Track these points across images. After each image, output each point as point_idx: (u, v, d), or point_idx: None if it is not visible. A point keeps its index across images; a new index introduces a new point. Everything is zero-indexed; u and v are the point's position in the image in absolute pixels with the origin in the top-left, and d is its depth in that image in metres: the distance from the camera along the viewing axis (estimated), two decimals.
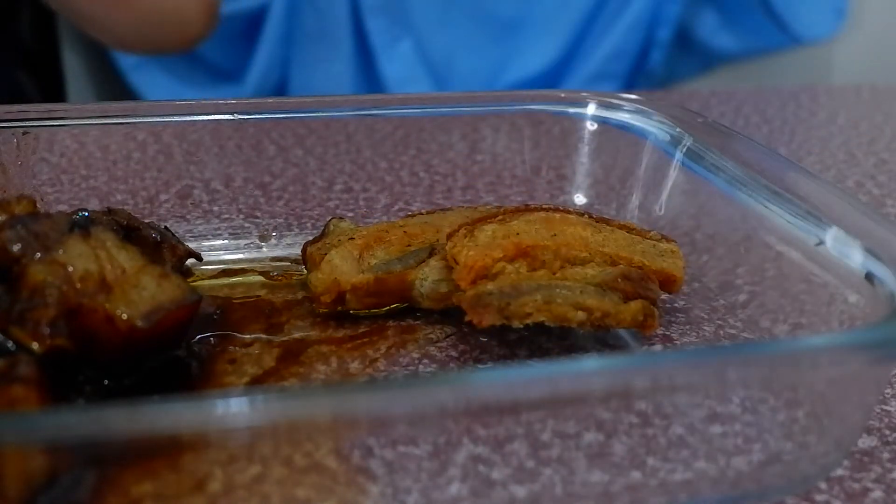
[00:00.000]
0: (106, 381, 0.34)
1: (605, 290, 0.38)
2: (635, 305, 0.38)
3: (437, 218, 0.44)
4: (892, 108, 0.80)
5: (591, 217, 0.41)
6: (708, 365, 0.28)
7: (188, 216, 0.49)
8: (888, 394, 0.37)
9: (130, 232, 0.37)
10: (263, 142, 0.56)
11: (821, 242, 0.36)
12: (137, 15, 0.77)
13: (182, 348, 0.36)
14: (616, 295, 0.38)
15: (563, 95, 0.51)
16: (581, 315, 0.38)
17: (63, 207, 0.47)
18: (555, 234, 0.39)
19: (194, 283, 0.37)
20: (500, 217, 0.40)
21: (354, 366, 0.37)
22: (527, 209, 0.40)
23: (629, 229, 0.41)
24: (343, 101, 0.52)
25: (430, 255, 0.41)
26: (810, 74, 1.13)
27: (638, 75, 1.00)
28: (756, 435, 0.31)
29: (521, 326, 0.38)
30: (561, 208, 0.41)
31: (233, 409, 0.24)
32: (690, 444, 0.31)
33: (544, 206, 0.41)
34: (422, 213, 0.45)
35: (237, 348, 0.37)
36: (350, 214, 0.51)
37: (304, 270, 0.42)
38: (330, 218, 0.44)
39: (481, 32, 0.92)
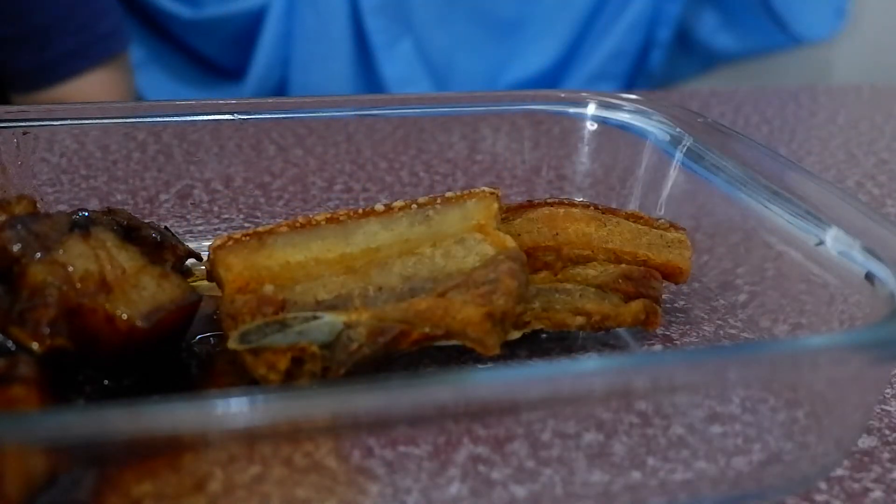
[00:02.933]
0: (106, 381, 0.34)
1: (605, 291, 0.38)
2: (636, 305, 0.38)
3: (345, 233, 0.36)
4: (892, 108, 0.80)
5: (596, 208, 0.40)
6: (708, 365, 0.28)
7: (188, 216, 0.49)
8: (888, 394, 0.37)
9: (130, 232, 0.37)
10: (263, 142, 0.56)
11: (821, 242, 0.36)
12: None
13: (182, 348, 0.36)
14: (617, 296, 0.38)
15: (563, 95, 0.51)
16: (580, 320, 0.38)
17: (63, 207, 0.47)
18: (557, 234, 0.39)
19: (194, 283, 0.37)
20: (504, 216, 0.40)
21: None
22: (530, 205, 0.40)
23: (636, 218, 0.41)
24: (343, 101, 0.52)
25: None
26: (810, 74, 1.13)
27: (638, 75, 1.00)
28: (756, 435, 0.31)
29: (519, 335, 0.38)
30: (566, 201, 0.41)
31: (233, 409, 0.24)
32: (690, 444, 0.31)
33: (549, 201, 0.40)
34: (328, 220, 0.36)
35: None
36: None
37: None
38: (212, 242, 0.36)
39: (481, 32, 0.92)
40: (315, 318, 0.32)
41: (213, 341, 0.37)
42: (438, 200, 0.36)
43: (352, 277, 0.35)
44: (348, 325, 0.32)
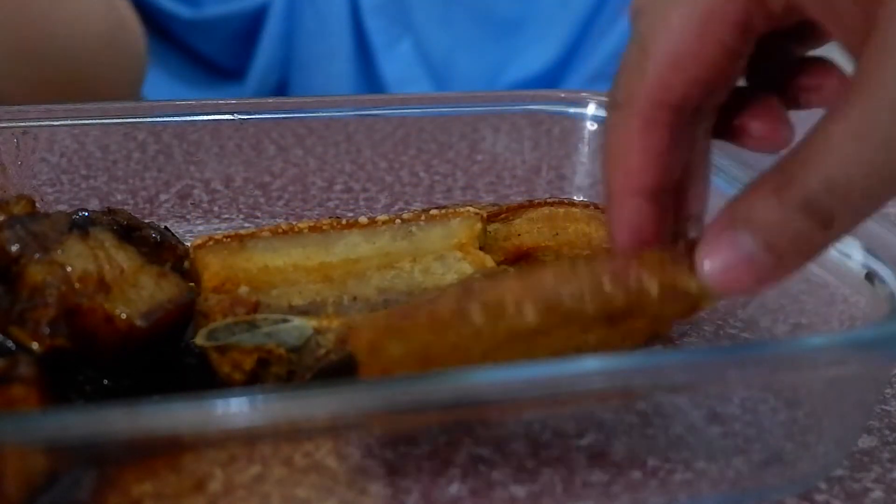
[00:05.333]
0: (106, 381, 0.34)
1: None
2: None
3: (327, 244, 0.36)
4: None
5: (596, 208, 0.40)
6: (708, 365, 0.28)
7: (188, 216, 0.49)
8: (888, 394, 0.37)
9: (131, 232, 0.37)
10: (263, 142, 0.56)
11: None
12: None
13: (181, 348, 0.36)
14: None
15: (563, 95, 0.51)
16: None
17: (63, 207, 0.47)
18: (556, 234, 0.39)
19: (193, 285, 0.37)
20: (504, 216, 0.40)
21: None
22: (530, 205, 0.40)
23: None
24: (343, 101, 0.52)
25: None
26: None
27: None
28: (756, 435, 0.31)
29: None
30: (566, 200, 0.41)
31: (233, 409, 0.24)
32: (690, 444, 0.31)
33: (549, 201, 0.40)
34: (315, 228, 0.36)
35: None
36: (350, 214, 0.51)
37: None
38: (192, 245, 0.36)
39: (481, 32, 0.92)
40: (285, 321, 0.32)
41: None
42: (423, 217, 0.36)
43: (328, 286, 0.35)
44: (318, 331, 0.32)
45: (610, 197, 0.28)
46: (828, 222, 0.24)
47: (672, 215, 0.29)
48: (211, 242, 0.35)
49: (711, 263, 0.26)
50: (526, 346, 0.29)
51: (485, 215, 0.37)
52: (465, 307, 0.28)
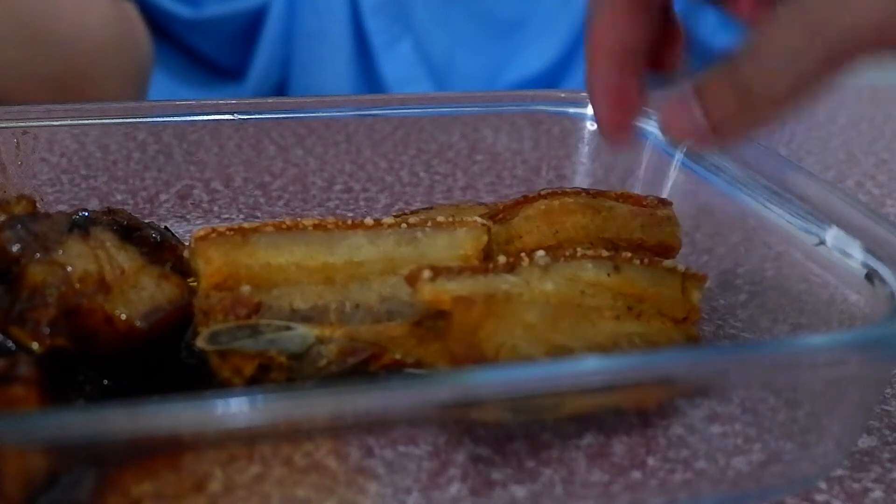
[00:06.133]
0: (106, 381, 0.34)
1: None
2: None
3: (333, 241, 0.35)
4: (892, 108, 0.80)
5: (587, 193, 0.40)
6: (708, 365, 0.28)
7: (188, 216, 0.49)
8: (888, 394, 0.37)
9: (131, 232, 0.37)
10: (263, 142, 0.56)
11: (821, 242, 0.36)
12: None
13: (182, 348, 0.36)
14: None
15: (563, 95, 0.51)
16: None
17: (63, 207, 0.47)
18: (556, 231, 0.39)
19: (194, 284, 0.37)
20: (500, 215, 0.40)
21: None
22: (525, 200, 0.40)
23: (626, 198, 0.41)
24: (343, 101, 0.52)
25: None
26: None
27: None
28: (756, 435, 0.31)
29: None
30: (559, 191, 0.40)
31: (233, 409, 0.24)
32: (690, 444, 0.31)
33: (542, 193, 0.40)
34: (325, 226, 0.35)
35: None
36: (350, 214, 0.51)
37: None
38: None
39: (481, 32, 0.92)
40: (288, 328, 0.32)
41: None
42: (429, 223, 0.36)
43: (330, 289, 0.34)
44: (320, 340, 0.32)
45: (589, 66, 0.33)
46: (749, 100, 0.29)
47: (643, 81, 0.34)
48: (214, 234, 0.34)
49: (667, 113, 0.32)
50: (572, 325, 0.32)
51: (491, 225, 0.37)
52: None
